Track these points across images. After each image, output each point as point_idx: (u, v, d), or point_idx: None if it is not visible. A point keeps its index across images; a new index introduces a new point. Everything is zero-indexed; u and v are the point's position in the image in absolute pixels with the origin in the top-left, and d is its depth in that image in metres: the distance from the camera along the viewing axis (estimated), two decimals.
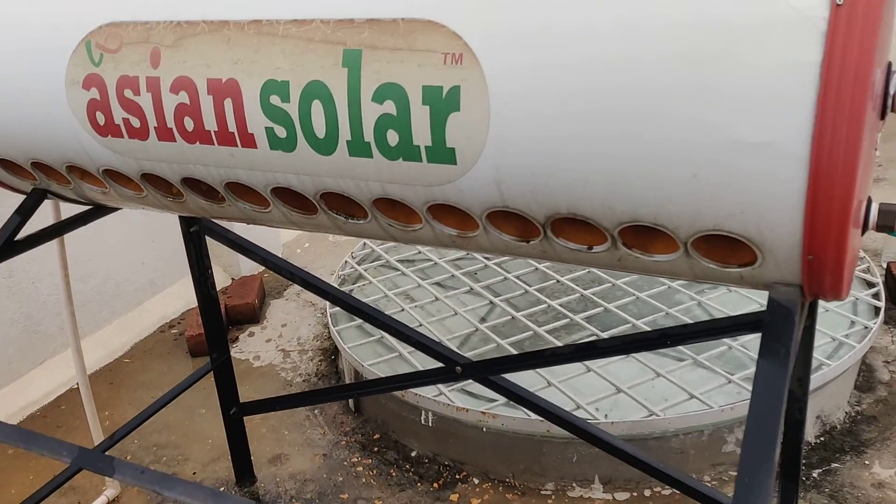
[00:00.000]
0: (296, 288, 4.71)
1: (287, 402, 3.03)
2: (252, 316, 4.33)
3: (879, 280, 3.65)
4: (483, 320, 3.60)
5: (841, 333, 3.25)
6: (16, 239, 1.97)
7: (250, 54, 1.41)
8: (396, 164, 1.39)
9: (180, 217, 2.62)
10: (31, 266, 3.76)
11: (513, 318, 3.56)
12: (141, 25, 1.51)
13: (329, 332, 3.97)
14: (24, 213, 1.96)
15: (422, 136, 1.33)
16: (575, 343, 2.33)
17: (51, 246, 3.35)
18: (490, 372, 2.38)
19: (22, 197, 2.06)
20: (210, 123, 1.50)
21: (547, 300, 3.68)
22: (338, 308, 3.80)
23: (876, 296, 3.54)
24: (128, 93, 1.55)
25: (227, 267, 4.85)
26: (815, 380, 2.99)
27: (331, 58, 1.35)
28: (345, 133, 1.39)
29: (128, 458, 3.37)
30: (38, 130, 1.73)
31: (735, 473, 2.85)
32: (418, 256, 4.30)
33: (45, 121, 1.69)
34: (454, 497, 2.98)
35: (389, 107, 1.33)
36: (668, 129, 1.19)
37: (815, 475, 2.94)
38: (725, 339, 3.25)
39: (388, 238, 1.66)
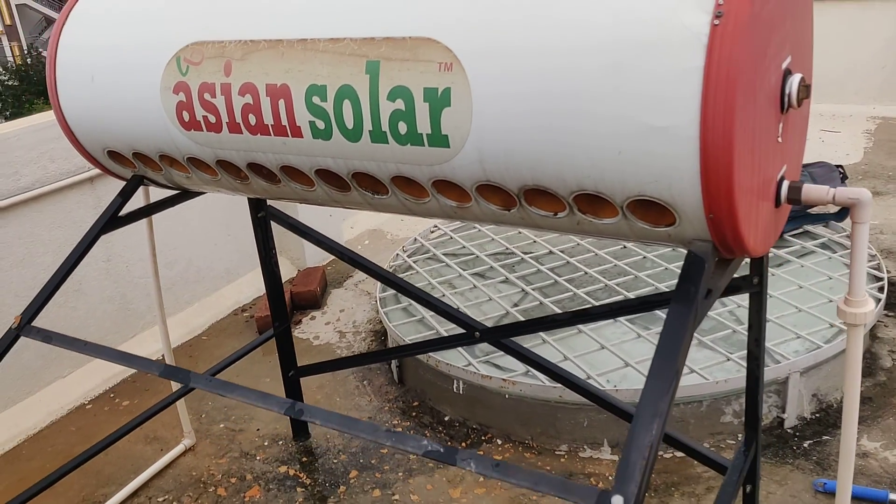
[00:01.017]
0: (355, 279, 5.21)
1: (335, 364, 3.52)
2: (314, 302, 4.84)
3: (885, 276, 3.92)
4: (515, 305, 4.01)
5: (840, 321, 3.53)
6: (119, 216, 2.48)
7: (298, 65, 1.88)
8: (406, 148, 1.84)
9: (249, 204, 3.12)
10: (125, 252, 4.34)
11: (541, 303, 3.96)
12: (217, 44, 2.01)
13: (380, 317, 4.44)
14: (125, 194, 2.48)
15: (423, 125, 1.78)
16: (571, 311, 2.71)
17: (142, 236, 3.92)
18: (501, 335, 2.81)
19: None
20: (268, 118, 1.98)
21: (574, 289, 4.07)
22: (387, 293, 4.28)
23: (880, 289, 3.82)
24: (207, 96, 2.05)
25: (294, 259, 5.38)
26: (809, 359, 3.32)
27: (357, 67, 1.82)
28: (367, 125, 1.85)
29: (203, 416, 3.90)
30: (138, 126, 2.25)
31: (733, 442, 3.21)
32: (462, 251, 4.74)
33: (144, 118, 2.21)
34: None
35: (400, 104, 1.79)
36: (598, 119, 1.60)
37: (805, 445, 3.26)
38: (730, 324, 3.59)
39: (406, 211, 2.11)
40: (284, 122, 1.95)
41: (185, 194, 2.63)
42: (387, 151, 1.87)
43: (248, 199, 3.14)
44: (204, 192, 2.59)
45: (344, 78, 1.84)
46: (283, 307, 3.41)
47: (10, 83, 31.22)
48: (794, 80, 1.74)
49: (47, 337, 2.23)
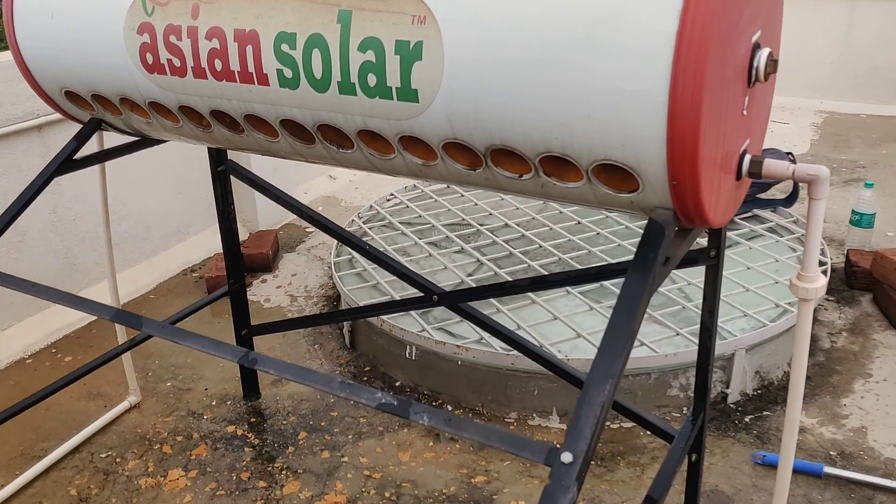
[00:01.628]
0: (307, 244, 5.16)
1: (290, 324, 3.49)
2: (265, 265, 4.78)
3: (828, 260, 4.04)
4: (470, 275, 4.02)
5: (785, 302, 3.64)
6: (74, 159, 2.41)
7: (268, 11, 1.84)
8: (374, 101, 1.81)
9: (210, 157, 3.06)
10: (73, 204, 4.23)
11: (495, 274, 3.98)
12: None
13: (333, 283, 4.41)
14: (81, 138, 2.40)
15: (393, 79, 1.76)
16: (529, 277, 2.73)
17: (92, 188, 3.81)
18: (460, 299, 2.81)
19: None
20: (234, 65, 1.94)
21: (528, 261, 4.10)
22: (342, 258, 4.25)
23: (823, 273, 3.92)
24: (172, 38, 1.99)
25: (246, 222, 5.30)
26: (754, 337, 3.40)
27: (329, 16, 1.79)
28: (336, 75, 1.82)
29: (149, 374, 3.84)
30: (98, 67, 2.18)
31: (678, 415, 3.28)
32: (418, 220, 4.73)
33: (106, 59, 2.14)
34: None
35: (370, 55, 1.76)
36: (569, 78, 1.60)
37: (746, 420, 3.35)
38: (680, 300, 3.66)
39: (371, 167, 2.09)
40: (251, 69, 1.91)
41: (143, 142, 2.56)
42: (354, 104, 1.85)
43: (209, 151, 3.09)
44: (164, 141, 2.53)
45: (315, 26, 1.81)
46: (240, 264, 3.37)
47: None
48: (763, 54, 1.77)
49: None
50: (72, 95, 2.37)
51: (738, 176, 1.90)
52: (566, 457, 1.44)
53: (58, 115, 3.98)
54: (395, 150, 1.94)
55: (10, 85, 3.83)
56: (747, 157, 1.90)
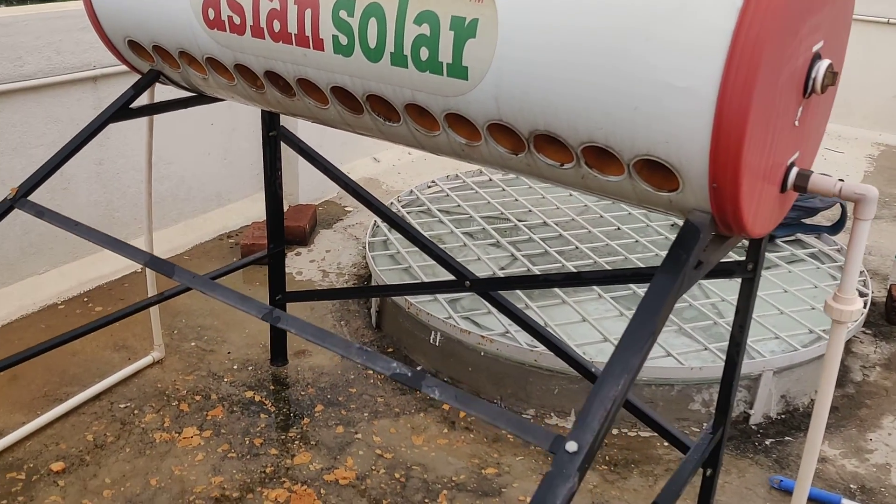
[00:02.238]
0: (345, 222, 5.19)
1: (323, 294, 3.54)
2: (302, 238, 4.81)
3: (869, 292, 3.95)
4: (502, 269, 4.01)
5: (821, 328, 3.57)
6: (130, 107, 2.45)
7: None
8: (425, 75, 1.81)
9: (263, 121, 3.09)
10: (119, 158, 4.29)
11: (528, 270, 3.96)
12: None
13: (366, 262, 4.43)
14: (139, 88, 2.44)
15: (445, 54, 1.75)
16: (563, 273, 2.71)
17: (139, 143, 3.86)
18: (493, 287, 2.80)
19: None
20: (292, 27, 1.95)
21: (563, 261, 4.06)
22: (377, 238, 4.27)
23: (863, 305, 3.84)
24: None
25: (287, 195, 5.33)
26: (783, 360, 3.34)
27: None
28: (390, 46, 1.82)
29: (175, 332, 3.88)
30: (161, 18, 2.21)
31: (697, 430, 3.24)
32: (456, 209, 4.72)
33: (169, 11, 2.17)
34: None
35: (425, 29, 1.75)
36: (619, 71, 1.58)
37: (767, 443, 3.29)
38: (712, 315, 3.61)
39: (414, 143, 2.09)
40: (308, 32, 1.92)
41: (197, 98, 2.59)
42: (405, 76, 1.84)
43: (262, 115, 3.11)
44: (218, 99, 2.55)
45: None
46: (281, 229, 3.40)
47: None
48: (822, 65, 1.72)
49: (40, 212, 2.21)
50: (134, 45, 2.41)
51: (783, 188, 1.86)
52: (571, 446, 1.43)
53: (114, 69, 4.08)
54: (440, 127, 1.93)
55: (70, 34, 3.90)
56: (794, 170, 1.85)
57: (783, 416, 3.45)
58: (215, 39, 2.12)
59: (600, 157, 1.75)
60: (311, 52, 1.95)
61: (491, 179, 5.20)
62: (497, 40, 1.68)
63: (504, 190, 5.02)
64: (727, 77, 1.48)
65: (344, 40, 1.88)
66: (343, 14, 1.85)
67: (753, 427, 3.38)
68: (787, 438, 3.33)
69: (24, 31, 3.74)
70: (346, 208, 5.41)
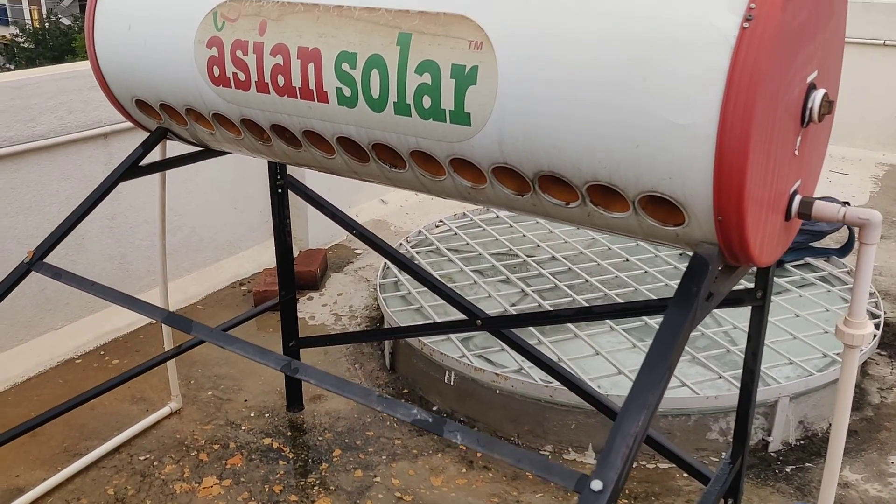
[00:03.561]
0: (355, 265, 5.23)
1: (336, 339, 3.57)
2: (313, 283, 4.85)
3: (882, 313, 3.95)
4: (513, 305, 4.03)
5: (835, 352, 3.56)
6: (139, 165, 2.50)
7: (332, 30, 1.91)
8: (428, 122, 1.86)
9: (269, 172, 3.15)
10: (130, 213, 4.36)
11: (539, 305, 3.98)
12: (255, 2, 2.04)
13: (378, 304, 4.46)
14: (148, 145, 2.50)
15: (448, 101, 1.80)
16: (574, 308, 2.73)
17: (150, 197, 3.92)
18: (504, 325, 2.82)
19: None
20: (296, 81, 2.00)
21: (573, 295, 4.08)
22: (387, 280, 4.30)
23: (875, 327, 3.83)
24: (239, 53, 2.07)
25: (297, 240, 5.39)
26: (799, 385, 3.33)
27: (389, 38, 1.84)
28: (392, 96, 1.87)
29: (192, 382, 3.91)
30: (168, 77, 2.27)
31: (716, 459, 3.22)
32: (465, 247, 4.76)
33: (175, 70, 2.23)
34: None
35: (426, 78, 1.80)
36: (619, 111, 1.62)
37: (787, 470, 3.27)
38: (725, 343, 3.61)
39: (421, 188, 2.13)
40: (312, 85, 1.97)
41: (205, 152, 2.65)
42: (409, 124, 1.89)
43: (269, 166, 3.17)
44: (225, 152, 2.61)
45: (375, 47, 1.86)
46: (292, 276, 3.44)
47: (25, 45, 31.33)
48: (818, 95, 1.76)
49: (57, 273, 2.25)
50: (142, 104, 2.47)
51: (788, 216, 1.89)
52: (596, 484, 1.45)
53: (123, 125, 4.16)
54: (445, 171, 1.97)
55: (80, 94, 3.99)
56: (797, 198, 1.88)
57: (802, 442, 3.44)
58: (221, 96, 2.18)
59: (605, 194, 1.78)
60: (316, 105, 2.01)
61: (498, 217, 5.24)
62: (498, 86, 1.73)
63: (511, 226, 5.06)
64: (725, 112, 1.51)
65: (347, 92, 1.93)
66: (345, 67, 1.91)
67: (773, 454, 3.37)
68: (807, 465, 3.31)
69: (37, 93, 3.83)
70: (355, 251, 5.45)
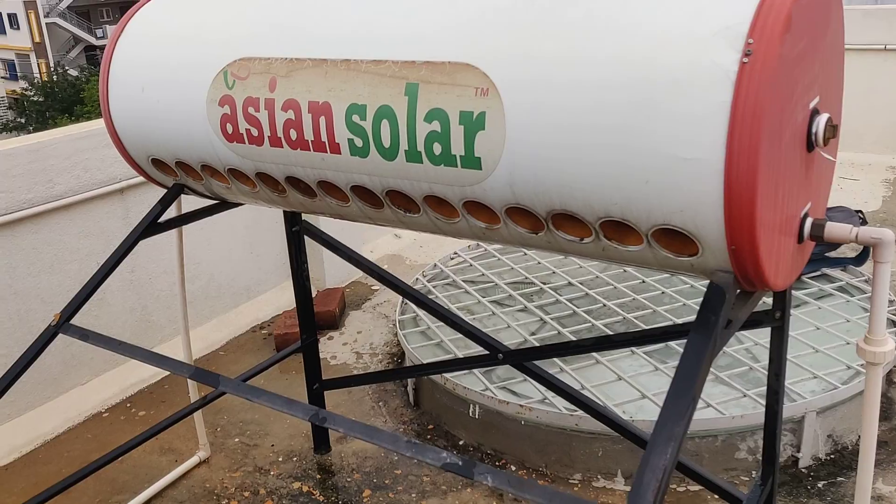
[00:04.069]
0: (373, 302, 5.26)
1: (359, 379, 3.59)
2: (332, 322, 4.88)
3: None
4: (533, 334, 4.04)
5: (858, 363, 3.55)
6: (158, 222, 2.56)
7: (340, 84, 1.96)
8: (440, 168, 1.90)
9: (285, 218, 3.20)
10: (149, 265, 4.42)
11: (559, 333, 3.99)
12: (264, 60, 2.10)
13: (398, 340, 4.48)
14: (165, 203, 2.55)
15: (458, 147, 1.84)
16: (594, 336, 2.74)
17: (167, 248, 3.98)
18: (525, 358, 2.85)
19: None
20: (308, 134, 2.05)
21: (592, 321, 4.09)
22: (406, 315, 4.33)
23: None
24: (251, 109, 2.12)
25: (314, 280, 5.42)
26: (825, 399, 3.32)
27: (397, 88, 1.89)
28: (403, 144, 1.91)
29: (218, 430, 3.94)
30: (182, 136, 2.33)
31: (746, 479, 3.21)
32: (481, 278, 4.78)
33: (189, 129, 2.29)
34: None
35: (436, 125, 1.85)
36: (627, 149, 1.66)
37: (819, 485, 3.25)
38: (747, 361, 3.61)
39: (436, 230, 2.16)
40: (324, 138, 2.02)
41: (221, 205, 2.70)
42: (420, 171, 1.93)
43: (284, 212, 3.21)
44: (241, 204, 2.65)
45: (383, 98, 1.91)
46: (312, 320, 3.47)
47: (35, 99, 31.84)
48: (822, 120, 1.79)
49: (84, 335, 2.30)
50: (157, 162, 2.53)
51: (800, 239, 1.91)
52: None
53: (139, 179, 4.22)
54: (459, 214, 2.01)
55: (96, 152, 4.07)
56: (808, 220, 1.90)
57: (833, 457, 3.42)
58: (235, 152, 2.24)
59: (618, 229, 1.81)
60: (329, 157, 2.05)
61: None
62: (506, 130, 1.77)
63: (526, 255, 5.08)
64: (731, 146, 1.55)
65: (359, 143, 1.98)
66: (356, 118, 1.95)
67: (804, 470, 3.35)
68: (839, 479, 3.29)
69: (54, 154, 3.91)
70: (372, 287, 5.49)
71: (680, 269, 1.85)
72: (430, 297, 4.60)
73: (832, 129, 1.80)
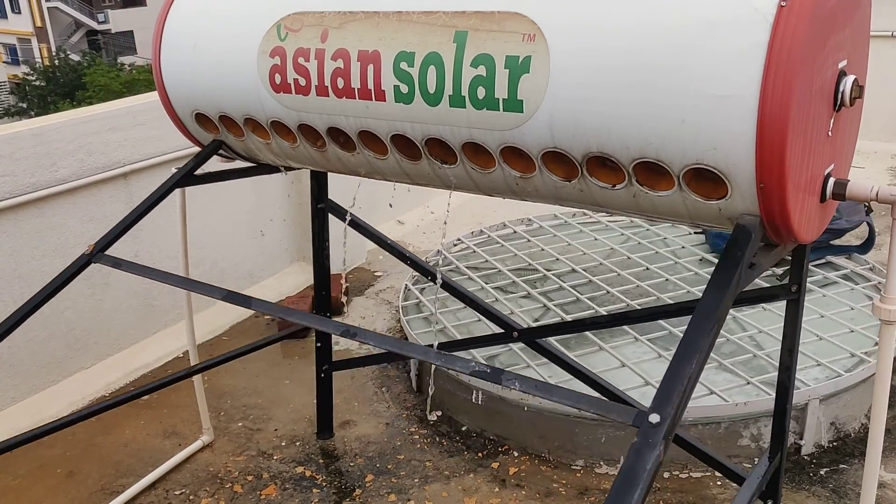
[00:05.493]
0: (376, 288, 5.26)
1: (368, 360, 3.61)
2: (337, 308, 4.87)
3: None
4: (537, 320, 4.04)
5: (862, 351, 3.55)
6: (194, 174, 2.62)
7: (391, 34, 2.02)
8: (481, 112, 1.94)
9: (312, 195, 3.24)
10: (153, 249, 4.41)
11: (562, 319, 3.99)
12: (318, 14, 2.17)
13: (400, 326, 4.48)
14: (201, 158, 2.61)
15: (501, 90, 1.89)
16: (609, 314, 2.76)
17: (171, 233, 3.98)
18: (540, 335, 2.89)
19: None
20: (355, 82, 2.11)
21: (595, 307, 4.09)
22: (409, 301, 4.32)
23: None
24: (301, 60, 2.19)
25: None
26: (829, 387, 3.33)
27: (446, 36, 1.95)
28: (448, 89, 1.96)
29: (221, 414, 3.94)
30: (230, 88, 2.39)
31: (749, 465, 3.21)
32: (484, 265, 4.79)
33: (238, 80, 2.35)
34: (495, 465, 3.42)
35: (482, 70, 1.90)
36: (665, 89, 1.71)
37: (822, 472, 3.26)
38: (751, 349, 3.61)
39: (470, 183, 2.19)
40: (370, 85, 2.07)
41: (255, 168, 2.76)
42: (462, 116, 1.97)
43: (311, 191, 3.24)
44: (274, 169, 2.72)
45: (432, 46, 1.96)
46: (328, 299, 3.49)
47: (36, 84, 31.77)
48: (849, 80, 1.85)
49: (117, 263, 2.38)
50: (201, 118, 2.58)
51: (823, 198, 1.92)
52: (654, 417, 1.53)
53: (142, 164, 4.24)
54: (495, 162, 2.04)
55: (99, 136, 4.06)
56: (831, 180, 1.93)
57: (835, 444, 3.43)
58: (281, 102, 2.29)
59: (650, 175, 1.86)
60: (374, 104, 2.10)
61: (515, 232, 5.26)
62: (550, 72, 1.82)
63: (529, 241, 5.08)
64: (766, 84, 1.61)
65: (405, 89, 2.03)
66: (404, 65, 2.01)
67: (806, 458, 3.36)
68: (842, 466, 3.30)
69: (57, 138, 3.90)
70: (375, 273, 5.49)
71: (707, 217, 1.89)
72: (432, 283, 4.60)
73: (858, 89, 1.86)
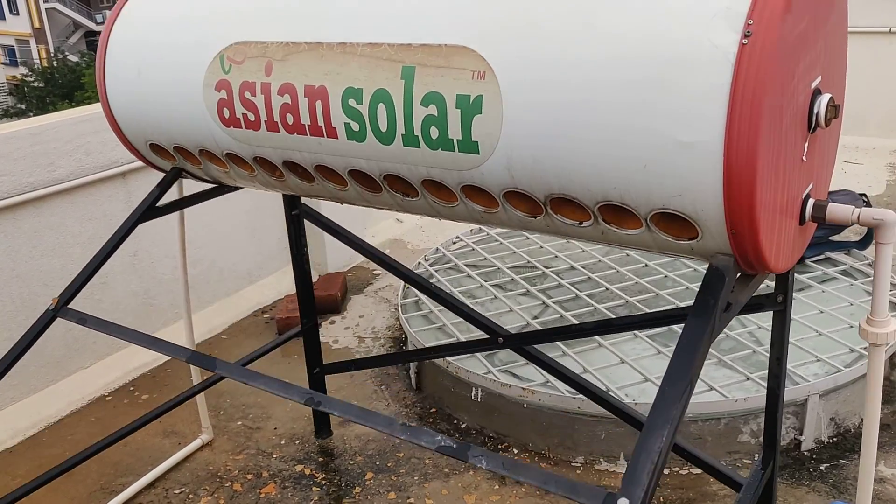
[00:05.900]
0: (375, 286, 5.25)
1: (360, 364, 3.59)
2: (334, 307, 4.88)
3: None
4: (535, 318, 4.03)
5: (860, 347, 3.54)
6: (157, 206, 2.55)
7: (336, 68, 1.94)
8: (437, 152, 1.88)
9: (284, 202, 3.19)
10: (152, 248, 4.41)
11: (561, 317, 3.98)
12: (260, 44, 2.08)
13: (400, 324, 4.48)
14: (164, 186, 2.55)
15: (455, 131, 1.82)
16: (595, 321, 2.74)
17: (169, 232, 3.97)
18: (526, 342, 2.84)
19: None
20: (305, 119, 2.03)
21: (595, 304, 4.08)
22: (408, 300, 4.32)
23: None
24: (247, 94, 2.11)
25: (316, 265, 5.42)
26: (828, 382, 3.32)
27: (393, 72, 1.87)
28: (400, 128, 1.89)
29: (221, 413, 3.95)
30: (180, 121, 2.31)
31: (749, 461, 3.21)
32: (483, 262, 4.77)
33: (186, 114, 2.27)
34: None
35: (433, 109, 1.83)
36: (625, 132, 1.63)
37: (822, 468, 3.25)
38: (750, 344, 3.60)
39: (435, 214, 2.15)
40: (321, 122, 2.01)
41: (220, 188, 2.70)
42: (418, 155, 1.91)
43: (283, 196, 3.20)
44: (241, 188, 2.65)
45: (380, 82, 1.89)
46: (312, 304, 3.47)
47: (35, 84, 31.76)
48: (823, 101, 1.76)
49: (82, 319, 2.30)
50: (155, 147, 2.52)
51: (802, 221, 1.89)
52: (623, 502, 1.45)
53: (140, 163, 4.20)
54: (457, 198, 2.00)
55: (97, 135, 4.05)
56: (810, 202, 1.89)
57: (835, 440, 3.41)
58: (232, 136, 2.22)
59: (617, 213, 1.79)
60: (326, 141, 2.04)
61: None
62: (503, 113, 1.75)
63: (528, 238, 5.07)
64: (731, 129, 1.52)
65: (356, 127, 1.96)
66: (352, 102, 1.94)
67: (806, 453, 3.35)
68: (841, 462, 3.29)
69: (55, 138, 3.90)
70: (374, 272, 5.48)
71: (680, 253, 1.83)
72: (431, 281, 4.60)
73: (833, 110, 1.77)
